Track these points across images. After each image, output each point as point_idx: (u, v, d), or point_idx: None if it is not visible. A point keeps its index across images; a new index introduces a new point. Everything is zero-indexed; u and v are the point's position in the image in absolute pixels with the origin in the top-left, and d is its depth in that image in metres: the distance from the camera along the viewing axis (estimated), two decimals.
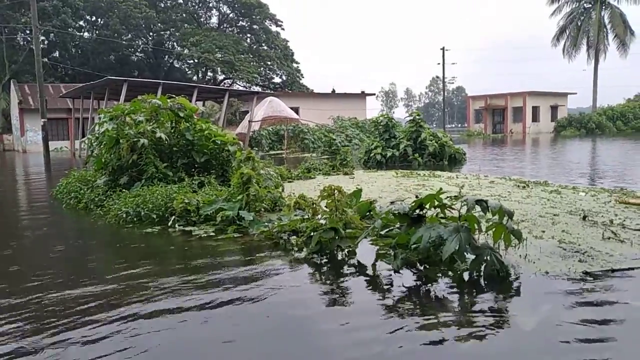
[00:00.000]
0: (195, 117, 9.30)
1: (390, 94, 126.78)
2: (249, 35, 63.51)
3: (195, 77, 61.10)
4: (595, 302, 3.33)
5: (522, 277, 3.86)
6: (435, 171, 11.96)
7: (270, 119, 31.35)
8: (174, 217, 6.24)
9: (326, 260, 4.62)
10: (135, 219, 6.41)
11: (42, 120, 21.22)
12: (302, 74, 64.12)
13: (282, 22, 62.53)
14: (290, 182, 10.46)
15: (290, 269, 4.42)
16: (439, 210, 4.46)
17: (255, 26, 62.53)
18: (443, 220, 4.42)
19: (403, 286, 3.88)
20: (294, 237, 5.28)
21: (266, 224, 5.89)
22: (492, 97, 47.86)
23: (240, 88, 52.51)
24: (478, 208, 3.96)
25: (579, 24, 45.72)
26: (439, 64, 54.36)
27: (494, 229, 4.14)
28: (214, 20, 65.38)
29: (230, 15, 63.96)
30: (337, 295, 3.75)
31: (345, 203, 5.22)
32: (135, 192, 7.41)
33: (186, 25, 59.62)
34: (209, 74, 60.76)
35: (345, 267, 4.45)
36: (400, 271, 4.15)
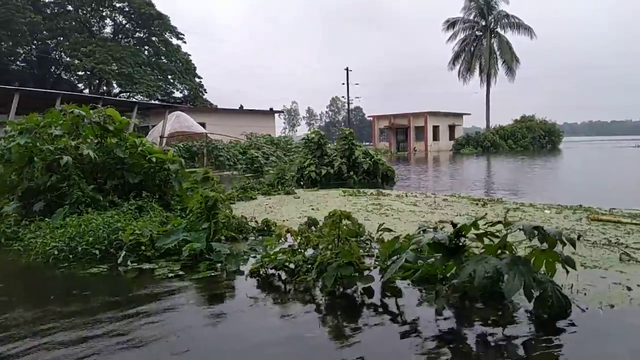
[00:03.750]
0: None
1: (292, 112, 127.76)
2: (146, 47, 60.27)
3: (87, 90, 56.57)
4: None
5: (590, 313, 3.36)
6: (380, 189, 11.57)
7: (178, 134, 29.57)
8: (124, 252, 5.03)
9: (342, 301, 3.82)
10: (70, 256, 5.10)
11: None
12: (205, 89, 62.11)
13: (183, 35, 60.21)
14: (232, 203, 9.41)
15: (308, 318, 3.56)
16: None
17: (154, 38, 59.50)
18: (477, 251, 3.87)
19: (453, 331, 3.22)
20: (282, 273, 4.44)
21: (244, 257, 4.94)
22: (396, 117, 49.69)
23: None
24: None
25: (472, 50, 49.21)
26: (343, 84, 55.66)
27: (534, 257, 3.66)
28: (108, 30, 61.25)
29: (127, 25, 60.35)
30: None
31: (348, 231, 4.47)
32: (60, 221, 6.05)
33: (77, 34, 55.08)
34: (104, 87, 56.59)
35: (370, 311, 3.67)
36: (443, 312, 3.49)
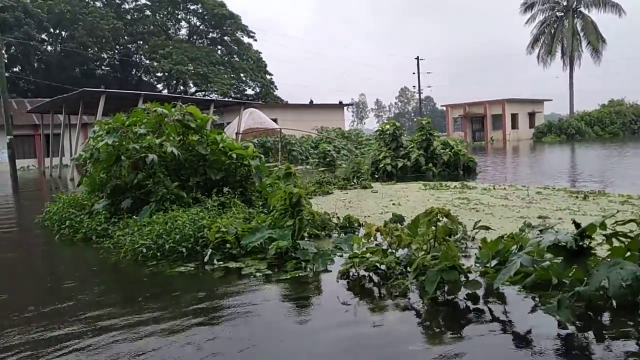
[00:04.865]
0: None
1: (360, 104, 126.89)
2: (219, 47, 62.08)
3: (165, 91, 59.13)
4: None
5: None
6: (464, 182, 10.96)
7: (252, 130, 30.12)
8: (210, 250, 4.96)
9: (445, 308, 3.47)
10: (158, 254, 5.10)
11: (8, 137, 19.57)
12: (275, 86, 63.02)
13: (254, 33, 61.37)
14: (310, 198, 9.24)
15: (409, 327, 3.24)
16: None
17: (226, 38, 61.20)
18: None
19: (576, 345, 2.77)
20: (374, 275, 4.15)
21: (332, 257, 4.69)
22: (471, 105, 47.72)
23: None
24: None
25: (553, 32, 46.20)
26: (413, 73, 54.23)
27: None
28: (184, 32, 63.68)
29: (201, 27, 62.44)
30: None
31: (445, 230, 4.10)
32: (146, 218, 6.11)
33: (155, 37, 57.69)
34: (181, 87, 58.96)
35: (478, 320, 3.29)
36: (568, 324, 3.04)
